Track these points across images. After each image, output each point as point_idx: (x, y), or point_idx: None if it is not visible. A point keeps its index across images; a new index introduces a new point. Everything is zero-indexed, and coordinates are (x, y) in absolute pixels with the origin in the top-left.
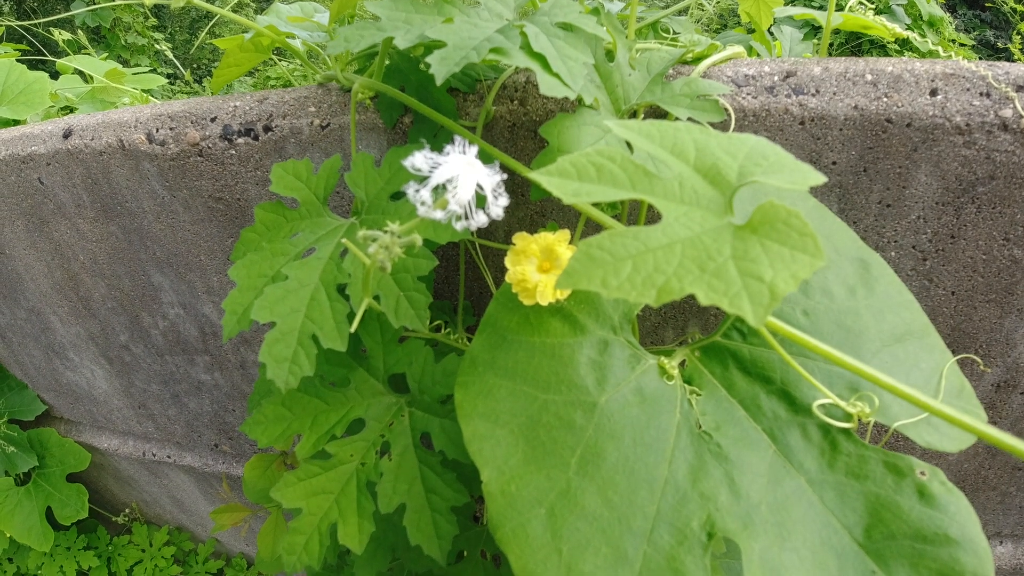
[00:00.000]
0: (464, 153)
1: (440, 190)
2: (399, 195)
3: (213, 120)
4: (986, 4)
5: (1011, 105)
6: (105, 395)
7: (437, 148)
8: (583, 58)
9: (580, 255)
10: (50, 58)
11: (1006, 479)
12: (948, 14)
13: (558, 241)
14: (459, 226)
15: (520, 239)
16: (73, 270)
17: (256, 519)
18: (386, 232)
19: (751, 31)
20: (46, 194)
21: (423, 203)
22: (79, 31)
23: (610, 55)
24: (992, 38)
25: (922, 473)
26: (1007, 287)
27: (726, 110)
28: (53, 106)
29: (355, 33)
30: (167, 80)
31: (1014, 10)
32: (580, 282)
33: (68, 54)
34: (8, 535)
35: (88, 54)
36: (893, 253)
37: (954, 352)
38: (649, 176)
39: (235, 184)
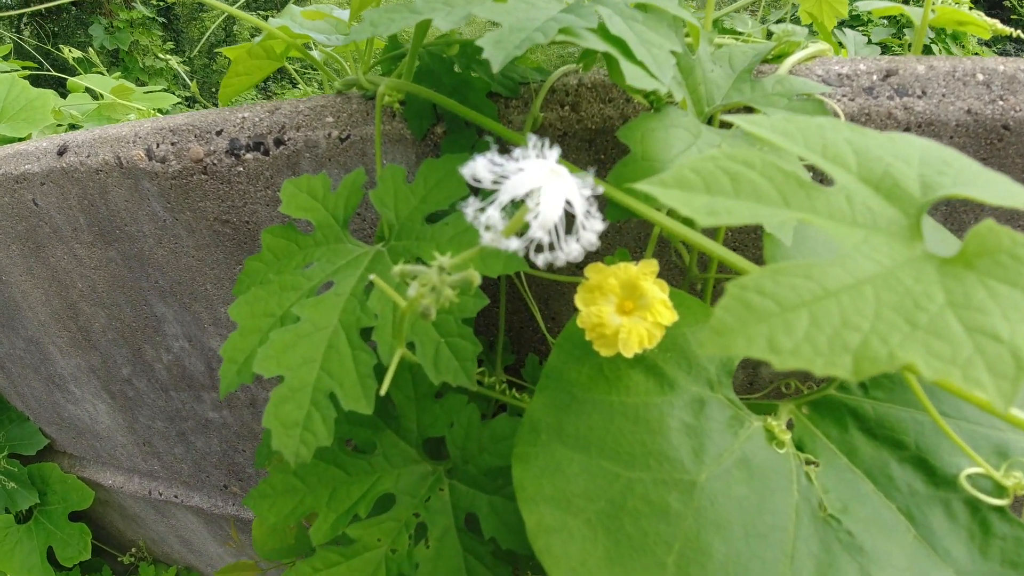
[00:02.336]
0: (542, 157)
1: (509, 208)
2: (436, 216)
3: (219, 134)
4: (1011, 16)
5: None
6: (108, 430)
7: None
8: (669, 45)
9: (732, 303)
10: (60, 75)
11: None
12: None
13: (643, 274)
14: (541, 260)
15: (595, 272)
16: (71, 298)
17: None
18: (432, 266)
19: (813, 32)
20: (41, 216)
21: (489, 227)
22: (96, 55)
23: (690, 47)
24: (1012, 51)
25: None
26: None
27: (833, 111)
28: (59, 124)
29: (384, 16)
30: (182, 101)
31: None
32: (737, 344)
33: (82, 74)
34: None
35: (100, 72)
36: None
37: None
38: (806, 188)
39: (243, 205)
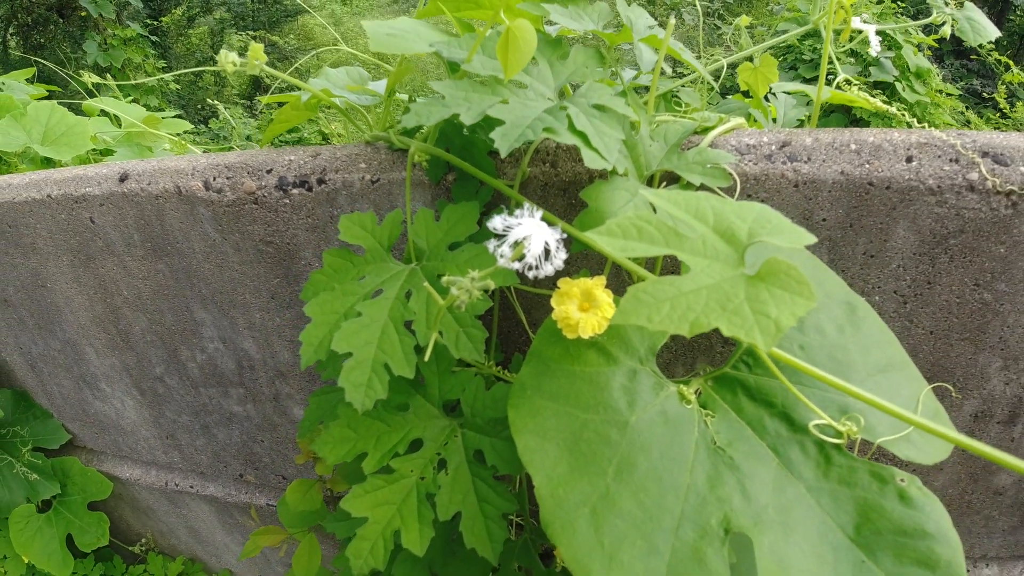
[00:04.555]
0: (532, 216)
1: (513, 245)
2: (455, 245)
3: (269, 172)
4: (971, 56)
5: (977, 169)
6: (133, 425)
7: (481, 202)
8: (616, 135)
9: (630, 297)
10: (75, 101)
11: (988, 503)
12: (935, 65)
13: (596, 285)
14: (531, 274)
15: (563, 283)
16: (115, 304)
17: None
18: (467, 277)
19: (748, 95)
20: (96, 232)
21: (503, 256)
22: (87, 72)
23: (634, 127)
24: (979, 87)
25: (902, 480)
26: (979, 326)
27: (732, 176)
28: (94, 149)
29: (425, 109)
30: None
31: (999, 61)
32: (631, 318)
33: (79, 91)
34: (26, 561)
35: (116, 97)
36: (877, 297)
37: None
38: (679, 236)
39: (286, 230)
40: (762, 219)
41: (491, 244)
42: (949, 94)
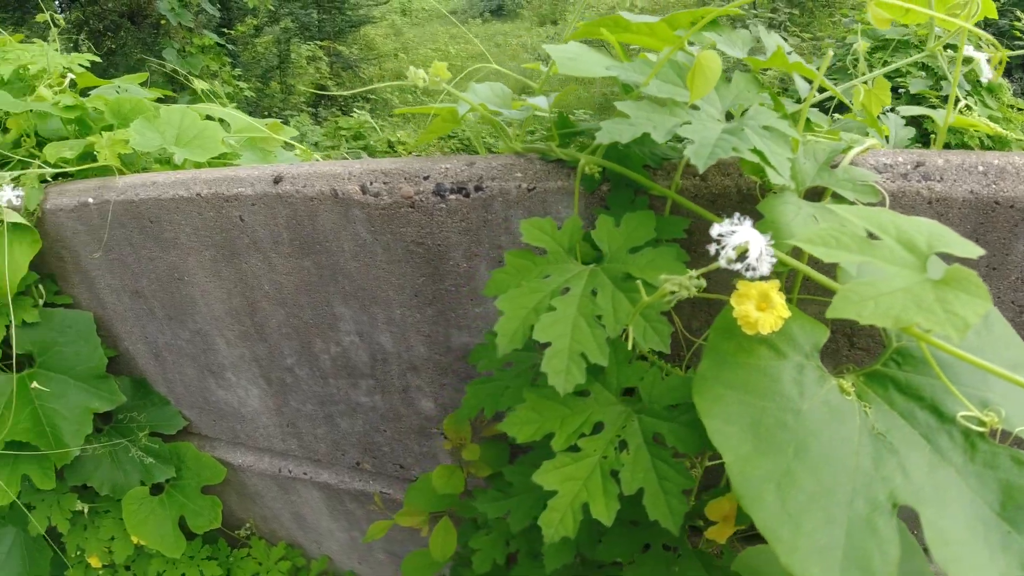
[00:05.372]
0: (742, 224)
1: (729, 249)
2: (635, 249)
3: (426, 178)
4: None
5: None
6: (254, 413)
7: (633, 210)
8: (786, 153)
9: (841, 297)
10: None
11: None
12: (1005, 79)
13: (771, 288)
14: (748, 274)
15: (743, 285)
16: (254, 298)
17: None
18: (685, 276)
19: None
20: (244, 230)
21: (729, 259)
22: (195, 79)
23: (793, 147)
24: None
25: None
26: None
27: (881, 193)
28: (225, 153)
29: (615, 128)
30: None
31: None
32: (843, 313)
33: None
34: (135, 542)
35: (223, 104)
36: (996, 307)
37: None
38: (870, 245)
39: (439, 232)
40: (935, 232)
41: (712, 248)
42: (1020, 109)
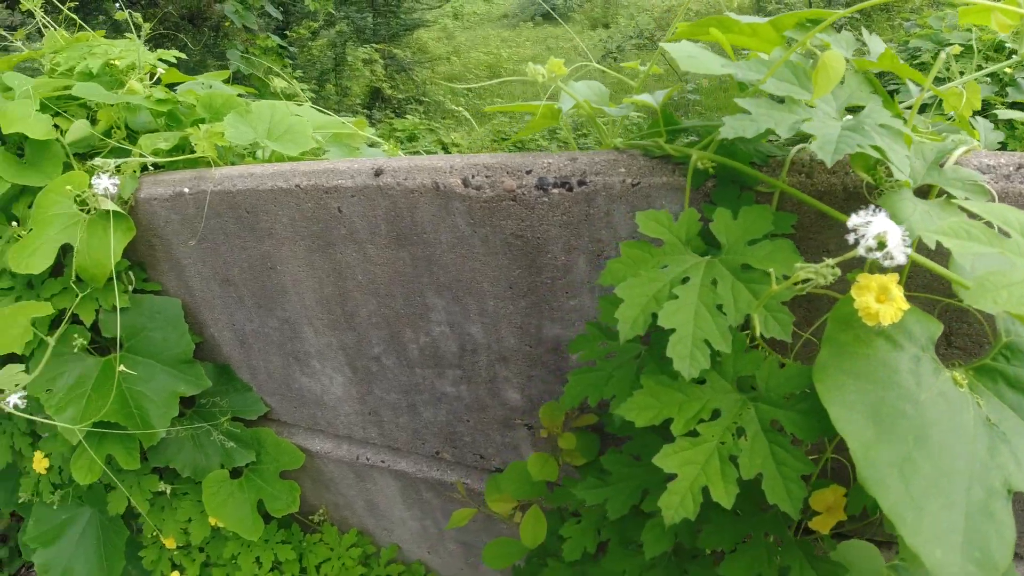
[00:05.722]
0: (877, 216)
1: (868, 239)
2: (753, 242)
3: (528, 172)
4: None
5: None
6: (336, 401)
7: (741, 206)
8: (904, 151)
9: (978, 286)
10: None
11: None
12: None
13: (890, 281)
14: (886, 263)
15: (863, 278)
16: (346, 288)
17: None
18: (822, 265)
19: (949, 118)
20: (341, 221)
21: (869, 248)
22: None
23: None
24: None
25: None
26: None
27: (991, 192)
28: (314, 148)
29: (739, 123)
30: None
31: None
32: (980, 302)
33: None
34: (212, 524)
35: (299, 103)
36: None
37: None
38: (999, 238)
39: (539, 225)
40: None
41: (850, 237)
42: None
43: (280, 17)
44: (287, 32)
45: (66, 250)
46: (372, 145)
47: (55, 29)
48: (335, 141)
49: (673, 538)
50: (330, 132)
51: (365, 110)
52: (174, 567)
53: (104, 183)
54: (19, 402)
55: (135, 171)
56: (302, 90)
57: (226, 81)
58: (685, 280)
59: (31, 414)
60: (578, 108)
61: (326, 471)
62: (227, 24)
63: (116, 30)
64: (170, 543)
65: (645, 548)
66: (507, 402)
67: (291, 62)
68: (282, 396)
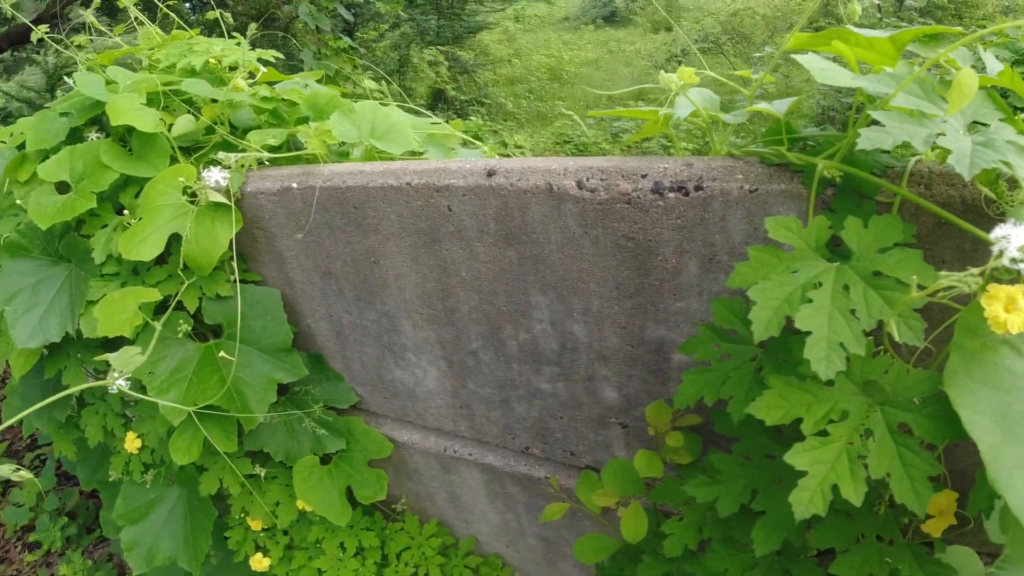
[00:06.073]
0: (1017, 227)
1: (1012, 249)
2: (883, 250)
3: (644, 177)
4: None
5: None
6: (428, 393)
7: (865, 216)
8: None
9: None
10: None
11: None
12: None
13: (1018, 292)
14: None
15: (993, 288)
16: (449, 284)
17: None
18: (965, 273)
19: None
20: (450, 219)
21: (1013, 260)
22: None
23: None
24: None
25: None
26: None
27: None
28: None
29: (876, 135)
30: None
31: None
32: None
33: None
34: (299, 508)
35: (384, 103)
36: None
37: None
38: None
39: (652, 228)
40: None
41: (996, 247)
42: None
43: (351, 19)
44: (353, 33)
45: (171, 239)
46: (465, 145)
47: (150, 26)
48: (430, 141)
49: (782, 537)
50: (425, 132)
51: (428, 111)
52: (257, 548)
53: (216, 176)
54: (123, 383)
55: (246, 166)
56: (372, 91)
57: (319, 81)
58: (817, 285)
59: (132, 395)
60: (693, 115)
61: (410, 462)
62: (300, 24)
63: (188, 27)
64: (256, 525)
65: (755, 546)
66: (603, 400)
67: (360, 62)
68: (373, 387)
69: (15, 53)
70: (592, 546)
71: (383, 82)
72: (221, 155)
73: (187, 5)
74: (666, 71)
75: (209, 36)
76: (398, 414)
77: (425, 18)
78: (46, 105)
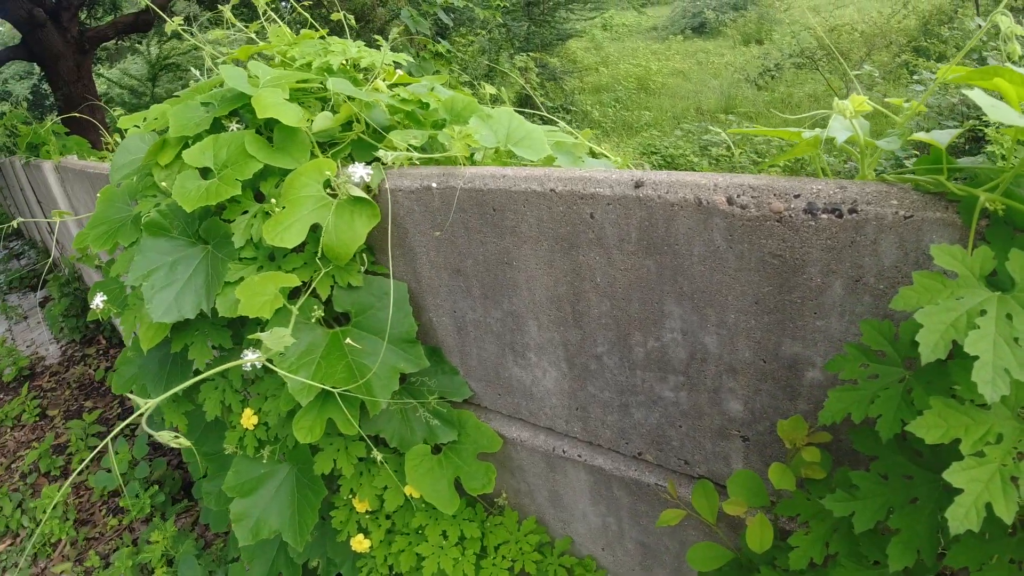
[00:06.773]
0: None
1: None
2: None
3: (796, 196)
4: None
5: None
6: (545, 393)
7: (1019, 245)
8: None
9: None
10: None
11: None
12: None
13: None
14: None
15: None
16: (582, 288)
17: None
18: None
19: None
20: (591, 226)
21: None
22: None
23: None
24: None
25: None
26: None
27: None
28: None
29: None
30: None
31: None
32: None
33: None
34: (407, 494)
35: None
36: None
37: None
38: None
39: (800, 247)
40: None
41: None
42: None
43: (451, 24)
44: (446, 39)
45: (311, 229)
46: (593, 155)
47: (279, 24)
48: (558, 149)
49: (915, 554)
50: (553, 140)
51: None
52: (359, 529)
53: (360, 172)
54: (257, 361)
55: (397, 164)
56: (497, 98)
57: (443, 85)
58: (982, 312)
59: (254, 374)
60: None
61: (516, 458)
62: (401, 28)
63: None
64: (361, 507)
65: (890, 561)
66: (727, 412)
67: (460, 63)
68: (488, 383)
69: (119, 42)
70: (707, 554)
71: (500, 88)
72: (380, 153)
73: (283, 3)
74: (758, 86)
75: (351, 36)
76: (510, 411)
77: (517, 24)
78: (176, 93)
